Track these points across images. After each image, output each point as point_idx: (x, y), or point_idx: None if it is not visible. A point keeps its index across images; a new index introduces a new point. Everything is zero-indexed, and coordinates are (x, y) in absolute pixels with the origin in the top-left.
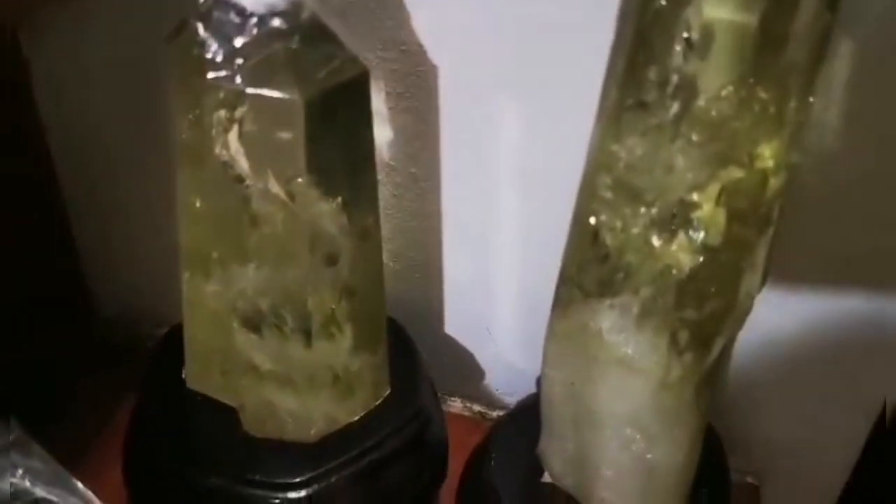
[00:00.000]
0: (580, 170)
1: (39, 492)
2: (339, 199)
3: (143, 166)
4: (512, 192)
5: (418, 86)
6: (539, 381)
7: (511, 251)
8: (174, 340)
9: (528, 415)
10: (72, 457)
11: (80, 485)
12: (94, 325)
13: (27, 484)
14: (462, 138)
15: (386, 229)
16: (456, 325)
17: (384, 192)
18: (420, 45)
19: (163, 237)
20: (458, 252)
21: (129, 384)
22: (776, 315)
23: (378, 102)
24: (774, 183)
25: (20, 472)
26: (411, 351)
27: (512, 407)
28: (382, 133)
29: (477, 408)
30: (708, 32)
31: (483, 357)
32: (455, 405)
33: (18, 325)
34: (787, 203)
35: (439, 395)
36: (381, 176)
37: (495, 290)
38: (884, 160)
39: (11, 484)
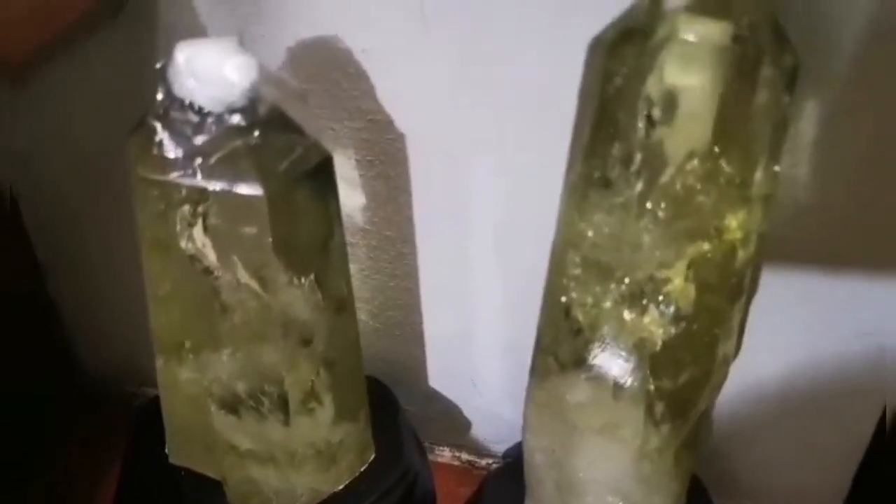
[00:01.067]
0: (553, 223)
1: None
2: (311, 278)
3: (118, 225)
4: (488, 248)
5: (388, 153)
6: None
7: (491, 305)
8: (154, 409)
9: (518, 468)
10: None
11: None
12: (76, 383)
13: None
14: (435, 200)
15: (365, 290)
16: (440, 378)
17: (360, 254)
18: (387, 114)
19: (144, 296)
20: (439, 308)
21: (111, 445)
22: (763, 358)
23: (349, 170)
24: (743, 253)
25: None
26: (394, 409)
27: (501, 458)
28: (354, 199)
29: (465, 456)
30: (671, 99)
31: (469, 408)
32: (443, 454)
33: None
34: (759, 270)
35: (427, 444)
36: (356, 239)
37: (478, 343)
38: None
39: None
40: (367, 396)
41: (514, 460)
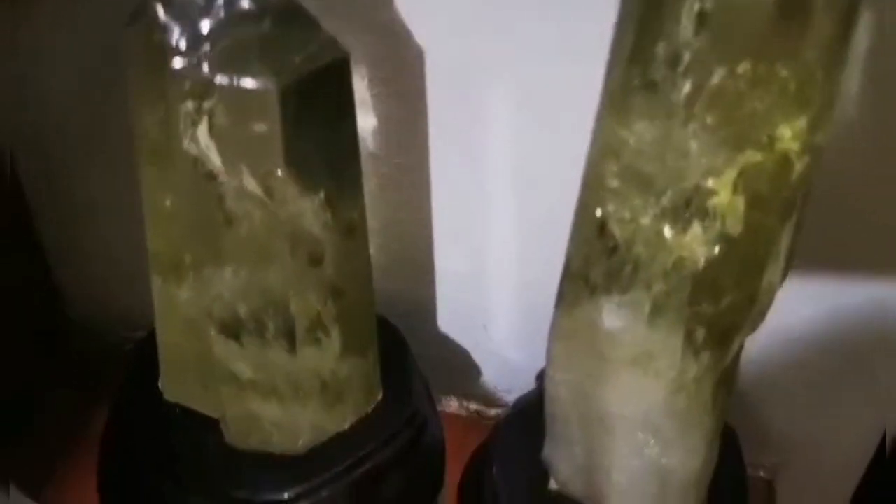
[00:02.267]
0: (580, 156)
1: None
2: (322, 193)
3: (110, 160)
4: (507, 180)
5: (404, 70)
6: (540, 378)
7: (507, 242)
8: (149, 348)
9: (531, 415)
10: (41, 474)
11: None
12: (64, 331)
13: None
14: (452, 125)
15: (373, 223)
16: (450, 321)
17: (370, 184)
18: (405, 27)
19: (134, 235)
20: (451, 245)
21: (101, 394)
22: (794, 305)
23: (361, 89)
24: (798, 166)
25: None
26: (403, 351)
27: (512, 406)
28: (366, 121)
29: (474, 406)
30: (722, 3)
31: (479, 354)
32: (451, 404)
33: None
34: (813, 187)
35: (434, 395)
36: (365, 167)
37: (491, 283)
38: None
39: None
40: (377, 336)
41: (530, 403)
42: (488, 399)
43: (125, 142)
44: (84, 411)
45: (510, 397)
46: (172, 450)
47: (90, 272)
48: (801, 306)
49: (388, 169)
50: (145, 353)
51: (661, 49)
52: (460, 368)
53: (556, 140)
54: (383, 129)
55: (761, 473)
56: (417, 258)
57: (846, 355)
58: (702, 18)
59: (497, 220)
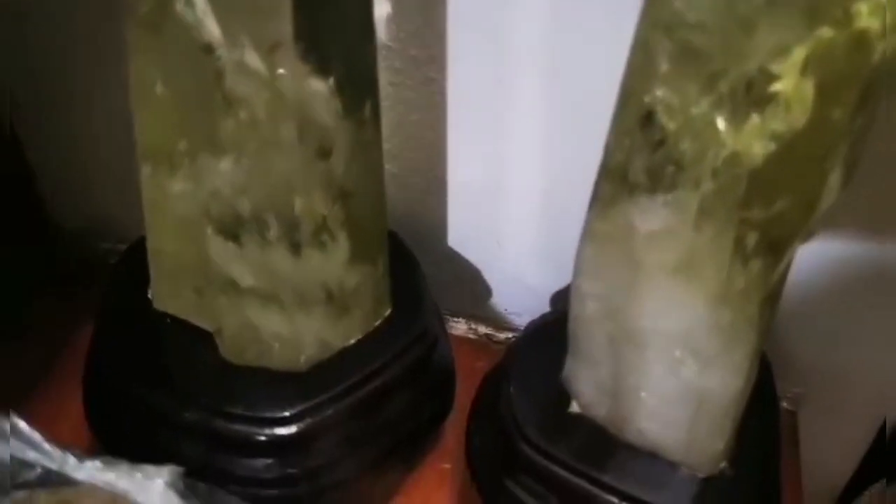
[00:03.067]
0: (615, 42)
1: None
2: (332, 78)
3: (94, 58)
4: (532, 77)
5: None
6: (555, 300)
7: (528, 149)
8: (137, 255)
9: (548, 336)
10: (24, 387)
11: (23, 425)
12: (50, 240)
13: None
14: (472, 13)
15: (382, 124)
16: (461, 236)
17: (381, 79)
18: None
19: (121, 140)
20: (466, 151)
21: (87, 305)
22: (826, 231)
23: None
24: (877, 48)
25: None
26: (411, 265)
27: (526, 327)
28: (379, 7)
29: (483, 329)
30: None
31: (491, 273)
32: (458, 327)
33: None
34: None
35: (441, 315)
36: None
37: (509, 195)
38: None
39: None
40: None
41: (548, 323)
42: (498, 322)
43: (111, 36)
44: (70, 322)
45: (521, 321)
46: (163, 363)
47: (75, 180)
48: (829, 232)
49: (402, 63)
50: (133, 261)
51: None
52: (470, 289)
53: (588, 24)
54: (397, 16)
55: (784, 404)
56: (429, 165)
57: (873, 285)
58: None
59: (519, 122)
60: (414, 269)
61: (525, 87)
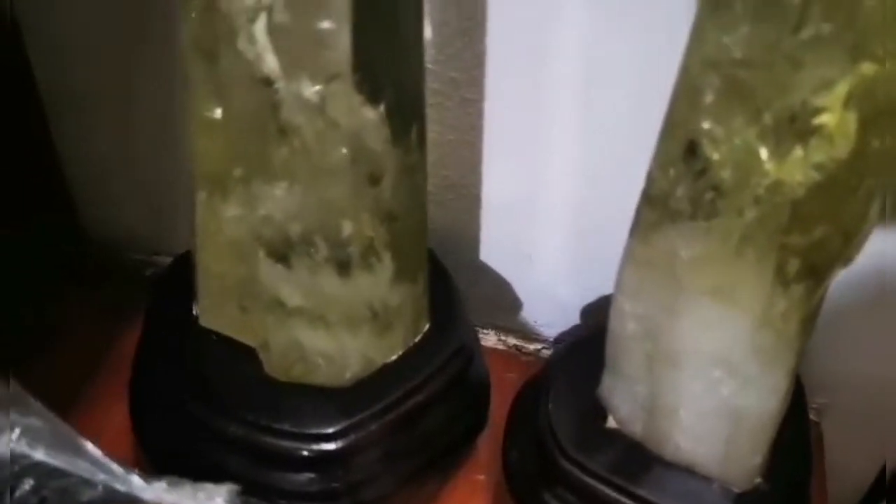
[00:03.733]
0: (654, 65)
1: (40, 455)
2: (383, 105)
3: (134, 73)
4: (567, 100)
5: None
6: (585, 313)
7: (561, 168)
8: (182, 270)
9: (585, 351)
10: (65, 397)
11: (89, 445)
12: (85, 251)
13: (25, 447)
14: (513, 36)
15: None
16: (493, 250)
17: None
18: None
19: (157, 154)
20: (500, 169)
21: (124, 316)
22: None
23: None
24: None
25: (18, 432)
26: (447, 281)
27: (563, 341)
28: None
29: (513, 341)
30: None
31: (522, 286)
32: (489, 338)
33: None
34: None
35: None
36: None
37: (540, 211)
38: None
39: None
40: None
41: (583, 339)
42: (528, 334)
43: (149, 54)
44: (107, 332)
45: (551, 332)
46: (209, 378)
47: (110, 192)
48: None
49: (441, 84)
50: (177, 275)
51: None
52: (501, 301)
53: (626, 48)
54: (437, 39)
55: (809, 414)
56: (464, 182)
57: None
58: None
59: (553, 142)
60: (449, 285)
61: (560, 109)
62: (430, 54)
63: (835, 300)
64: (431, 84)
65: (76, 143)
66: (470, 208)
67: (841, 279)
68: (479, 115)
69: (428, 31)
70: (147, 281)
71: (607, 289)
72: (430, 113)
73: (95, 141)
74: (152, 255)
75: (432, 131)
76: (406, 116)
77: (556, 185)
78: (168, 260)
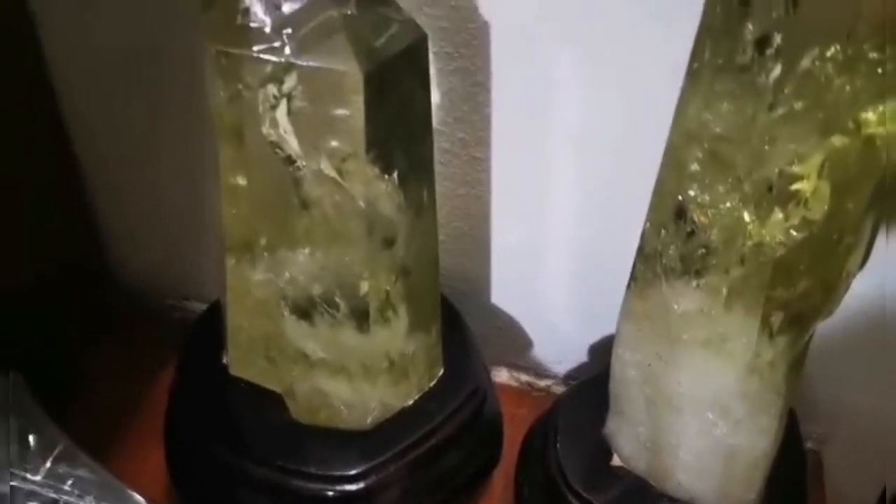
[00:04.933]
0: (646, 130)
1: None
2: (395, 174)
3: (161, 131)
4: (568, 155)
5: (469, 44)
6: (593, 351)
7: (564, 216)
8: (211, 320)
9: (591, 392)
10: (103, 441)
11: (135, 495)
12: (115, 297)
13: (76, 498)
14: (516, 99)
15: None
16: (503, 293)
17: None
18: (470, 0)
19: (184, 203)
20: (508, 219)
21: (155, 359)
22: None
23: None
24: (883, 152)
25: (69, 483)
26: (460, 325)
27: (562, 380)
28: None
29: (524, 377)
30: None
31: (531, 326)
32: (501, 375)
33: (34, 297)
34: None
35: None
36: None
37: (545, 254)
38: None
39: (62, 499)
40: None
41: (590, 379)
42: (538, 370)
43: (176, 115)
44: (140, 376)
45: (560, 368)
46: (239, 423)
47: (140, 238)
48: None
49: (450, 144)
50: (207, 326)
51: (750, 30)
52: (512, 339)
53: (622, 110)
54: (446, 103)
55: (809, 444)
56: (474, 232)
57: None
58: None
59: (557, 194)
60: (462, 328)
61: (562, 163)
62: (438, 117)
63: (833, 330)
64: (441, 144)
65: (107, 191)
66: (480, 254)
67: (840, 312)
68: (486, 170)
69: (436, 97)
70: (175, 324)
71: (611, 324)
72: (441, 170)
73: (126, 190)
74: (181, 299)
75: (443, 186)
76: (417, 182)
77: (560, 230)
78: (195, 305)
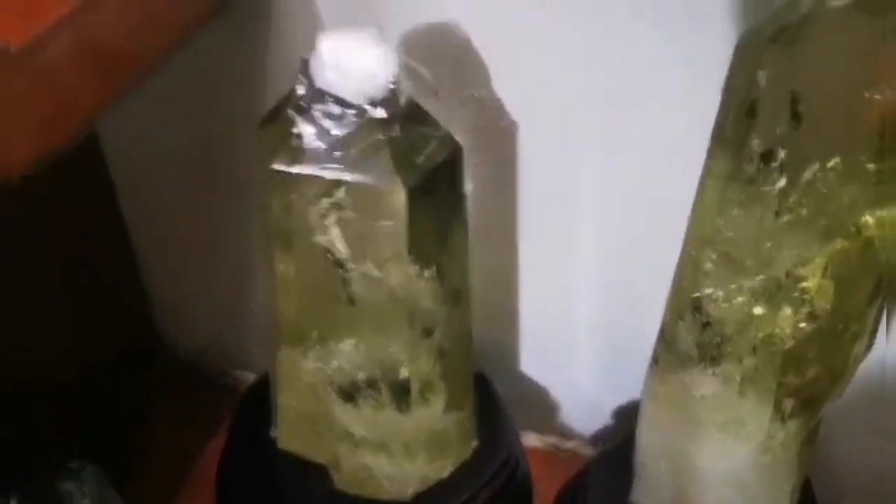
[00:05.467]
0: (665, 220)
1: None
2: (434, 268)
3: (210, 208)
4: (594, 236)
5: (496, 141)
6: (619, 415)
7: (588, 283)
8: (259, 394)
9: (619, 458)
10: None
11: None
12: (165, 366)
13: None
14: (542, 189)
15: None
16: (530, 359)
17: None
18: (500, 101)
19: (234, 274)
20: (534, 288)
21: (205, 427)
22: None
23: None
24: (882, 251)
25: None
26: (491, 392)
27: (589, 442)
28: None
29: (551, 440)
30: (818, 94)
31: (558, 390)
32: (529, 438)
33: (93, 379)
34: None
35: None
36: None
37: (570, 322)
38: None
39: None
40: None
41: (618, 446)
42: (565, 433)
43: (224, 194)
44: (191, 444)
45: (586, 430)
46: (287, 494)
47: (190, 307)
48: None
49: (479, 231)
50: (255, 399)
51: (756, 143)
52: (540, 404)
53: (644, 209)
54: (476, 194)
55: None
56: (503, 301)
57: None
58: (797, 116)
59: (581, 264)
60: (493, 398)
61: (588, 243)
62: (468, 207)
63: (847, 401)
64: (471, 226)
65: (162, 272)
66: (507, 323)
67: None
68: (513, 252)
69: (469, 186)
70: (222, 391)
71: (636, 387)
72: (472, 253)
73: (179, 271)
74: (234, 369)
75: (473, 267)
76: (453, 273)
77: (584, 298)
78: (242, 373)
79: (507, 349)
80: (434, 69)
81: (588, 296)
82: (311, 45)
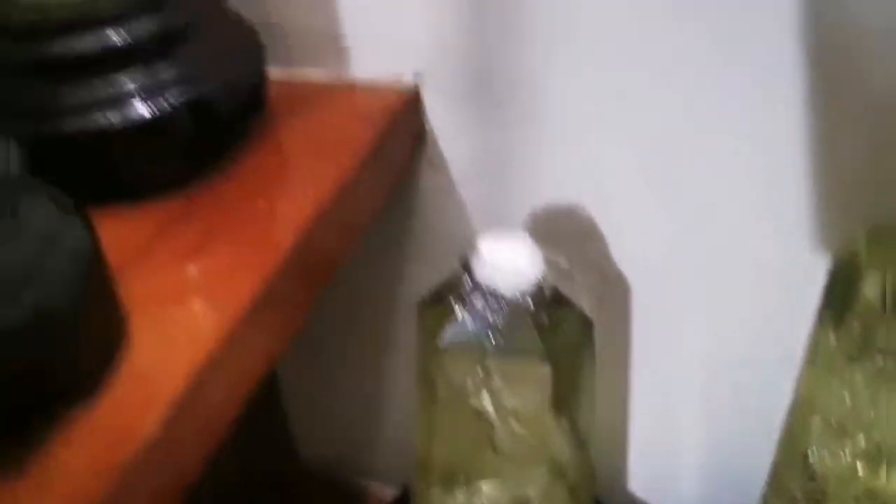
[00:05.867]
0: (764, 356)
1: None
2: (568, 420)
3: (349, 326)
4: (696, 371)
5: (612, 306)
6: None
7: (692, 415)
8: None
9: None
10: None
11: None
12: (299, 474)
13: None
14: (650, 329)
15: None
16: (638, 486)
17: None
18: (619, 271)
19: (371, 392)
20: (643, 418)
21: None
22: None
23: None
24: None
25: None
26: None
27: None
28: None
29: None
30: None
31: None
32: None
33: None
34: None
35: None
36: None
37: (677, 447)
38: None
39: None
40: None
41: None
42: None
43: (364, 312)
44: None
45: None
46: None
47: (327, 421)
48: None
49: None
50: None
51: (856, 324)
52: None
53: (744, 366)
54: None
55: None
56: (610, 427)
57: None
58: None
59: (689, 402)
60: None
61: (691, 379)
62: None
63: None
64: None
65: (300, 395)
66: (619, 455)
67: None
68: (625, 384)
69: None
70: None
71: None
72: None
73: (317, 376)
74: (364, 478)
75: None
76: (584, 423)
77: (689, 428)
78: (373, 484)
79: (614, 474)
80: (562, 245)
81: (692, 424)
82: (452, 238)
